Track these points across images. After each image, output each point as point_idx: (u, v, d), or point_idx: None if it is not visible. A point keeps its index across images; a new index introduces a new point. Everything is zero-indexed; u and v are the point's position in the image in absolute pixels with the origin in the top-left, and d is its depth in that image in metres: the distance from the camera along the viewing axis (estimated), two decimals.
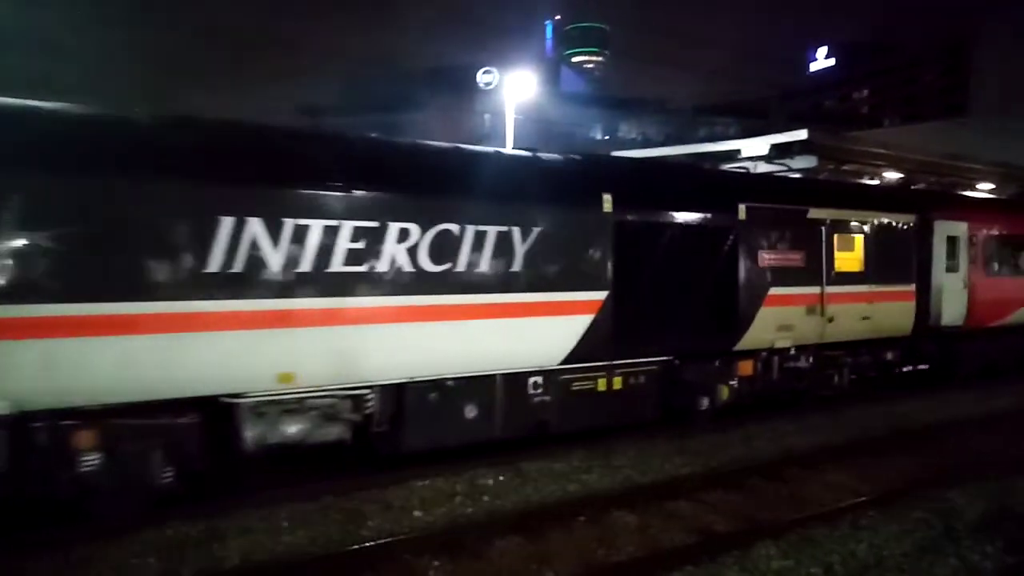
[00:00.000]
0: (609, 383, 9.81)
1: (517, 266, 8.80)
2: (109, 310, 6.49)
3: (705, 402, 10.93)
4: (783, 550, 6.47)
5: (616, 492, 8.00)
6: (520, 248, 8.82)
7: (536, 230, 8.93)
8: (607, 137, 67.03)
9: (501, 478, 8.51)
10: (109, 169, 6.65)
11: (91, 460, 6.58)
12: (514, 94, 24.43)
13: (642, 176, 11.54)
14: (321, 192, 7.62)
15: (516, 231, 8.80)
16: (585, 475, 8.72)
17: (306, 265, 7.41)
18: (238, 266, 7.05)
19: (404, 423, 8.22)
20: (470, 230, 8.45)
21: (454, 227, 8.34)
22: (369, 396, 7.98)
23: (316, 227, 7.47)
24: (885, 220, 13.15)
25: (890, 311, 13.00)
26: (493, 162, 9.73)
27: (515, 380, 8.97)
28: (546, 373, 9.22)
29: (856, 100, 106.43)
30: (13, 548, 6.16)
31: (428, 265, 8.16)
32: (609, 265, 9.58)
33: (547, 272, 9.05)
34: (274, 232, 7.24)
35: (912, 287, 13.38)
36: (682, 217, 10.41)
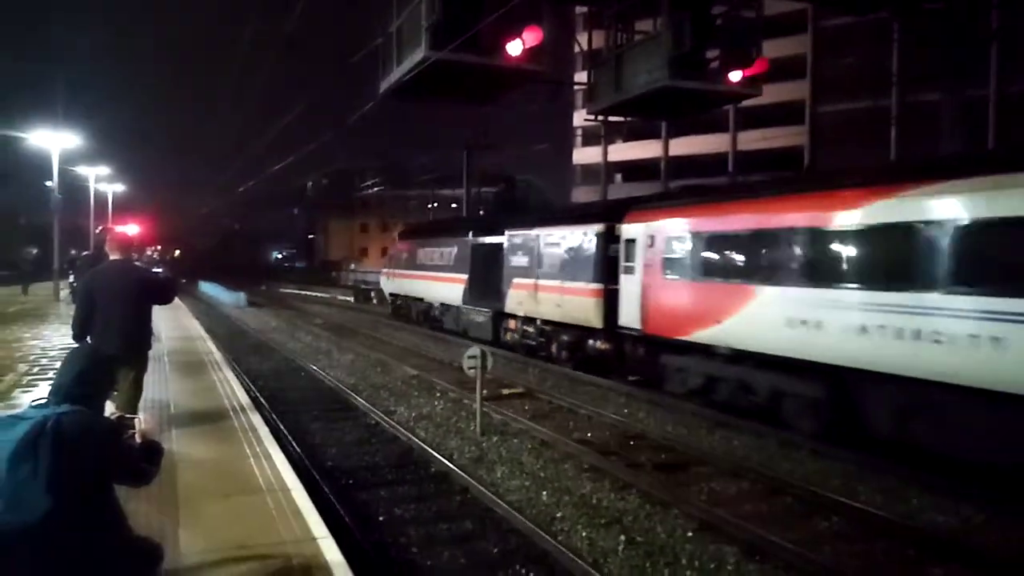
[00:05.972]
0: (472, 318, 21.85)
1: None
2: None
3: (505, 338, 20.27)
4: None
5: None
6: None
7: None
8: None
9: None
10: None
11: None
12: None
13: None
14: None
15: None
16: None
17: None
18: None
19: None
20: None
21: None
22: None
23: None
24: (571, 231, 16.31)
25: (576, 304, 16.23)
26: None
27: (447, 307, 23.14)
28: (457, 306, 22.71)
29: None
30: None
31: None
32: (468, 265, 21.89)
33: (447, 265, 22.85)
34: None
35: (597, 287, 15.53)
36: (483, 239, 20.75)
